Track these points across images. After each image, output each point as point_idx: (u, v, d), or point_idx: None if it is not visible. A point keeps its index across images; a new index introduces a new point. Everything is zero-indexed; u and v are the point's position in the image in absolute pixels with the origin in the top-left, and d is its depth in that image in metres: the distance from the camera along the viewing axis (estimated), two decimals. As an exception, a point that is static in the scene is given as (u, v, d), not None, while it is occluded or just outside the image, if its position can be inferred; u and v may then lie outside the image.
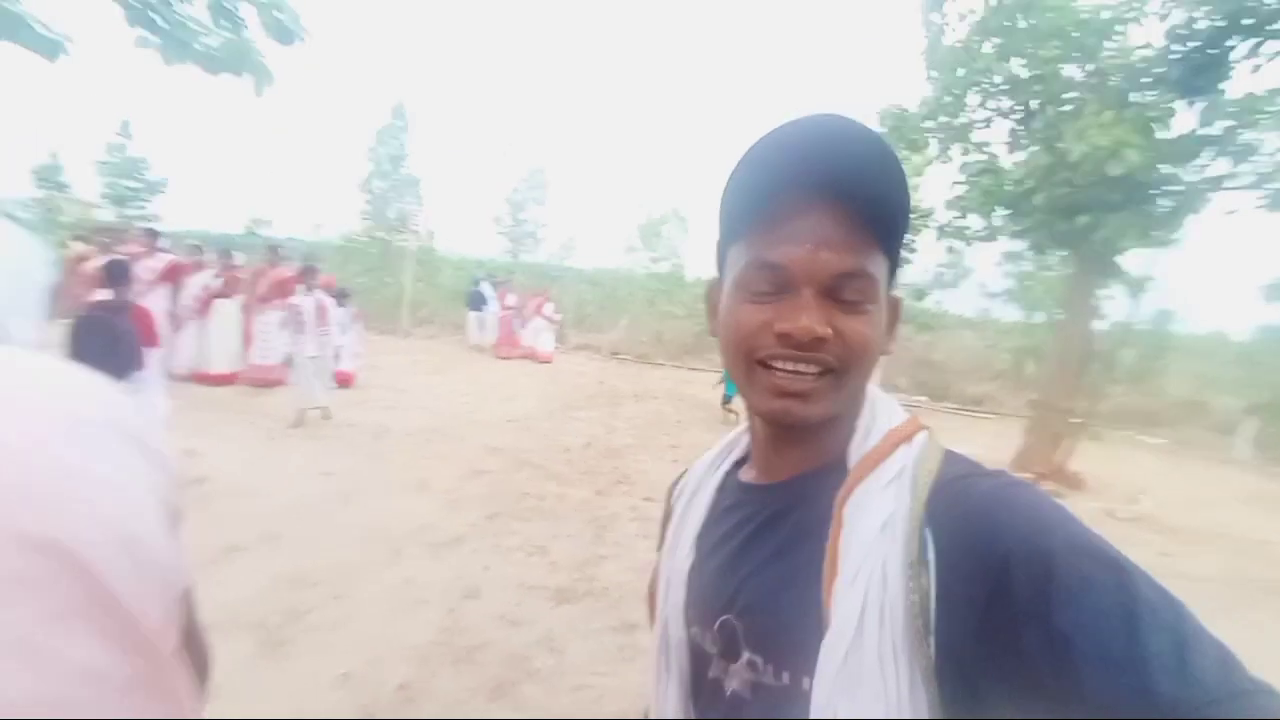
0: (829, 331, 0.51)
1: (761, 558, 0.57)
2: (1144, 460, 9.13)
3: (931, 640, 0.45)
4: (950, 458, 0.53)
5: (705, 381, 12.40)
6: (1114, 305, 8.53)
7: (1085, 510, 6.19)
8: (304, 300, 6.00)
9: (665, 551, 0.68)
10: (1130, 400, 12.28)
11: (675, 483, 0.73)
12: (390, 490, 4.44)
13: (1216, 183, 6.14)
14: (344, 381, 7.40)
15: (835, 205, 0.51)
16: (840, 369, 0.52)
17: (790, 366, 0.52)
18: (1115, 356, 7.70)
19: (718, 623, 0.58)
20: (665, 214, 19.06)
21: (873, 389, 0.59)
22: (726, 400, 8.33)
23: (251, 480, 4.27)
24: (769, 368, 0.53)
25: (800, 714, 0.48)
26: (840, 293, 0.51)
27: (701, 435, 7.40)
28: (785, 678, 0.51)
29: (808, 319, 0.50)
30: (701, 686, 0.60)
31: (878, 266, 0.53)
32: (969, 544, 0.45)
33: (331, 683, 2.35)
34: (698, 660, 0.61)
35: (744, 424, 0.67)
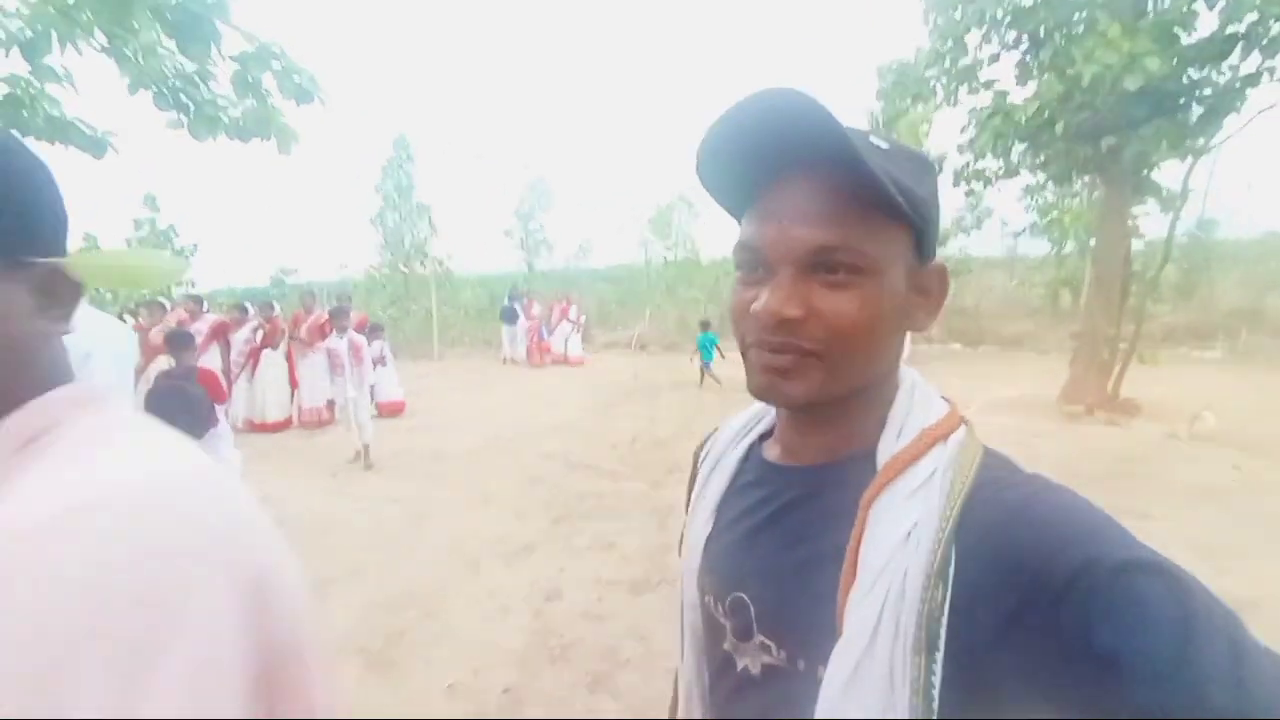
0: (798, 313, 0.49)
1: (779, 542, 0.56)
2: (1202, 376, 8.85)
3: (938, 655, 0.43)
4: (987, 460, 0.50)
5: (738, 361, 12.42)
6: (1151, 222, 8.28)
7: (1146, 435, 6.07)
8: (338, 343, 6.21)
9: (689, 516, 0.68)
10: (1180, 317, 11.88)
11: (702, 445, 0.73)
12: (457, 508, 4.61)
13: (1251, 80, 5.90)
14: (395, 411, 7.65)
15: (806, 178, 0.50)
16: (822, 351, 0.50)
17: (769, 352, 0.51)
18: (1158, 274, 7.45)
19: (730, 597, 0.58)
20: (673, 201, 19.02)
21: (911, 375, 0.57)
22: (705, 368, 9.13)
23: (327, 517, 4.48)
24: (758, 349, 0.53)
25: (811, 700, 0.48)
26: (823, 268, 0.49)
27: (744, 415, 7.43)
28: (800, 664, 0.51)
29: (774, 301, 0.49)
30: (715, 655, 0.61)
31: (871, 237, 0.49)
32: (996, 554, 0.43)
33: (441, 695, 2.50)
34: (712, 629, 0.62)
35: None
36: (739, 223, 0.56)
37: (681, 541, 0.70)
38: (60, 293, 0.47)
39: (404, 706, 2.43)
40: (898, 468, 0.50)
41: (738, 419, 0.70)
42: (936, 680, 0.43)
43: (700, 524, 0.65)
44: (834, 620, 0.48)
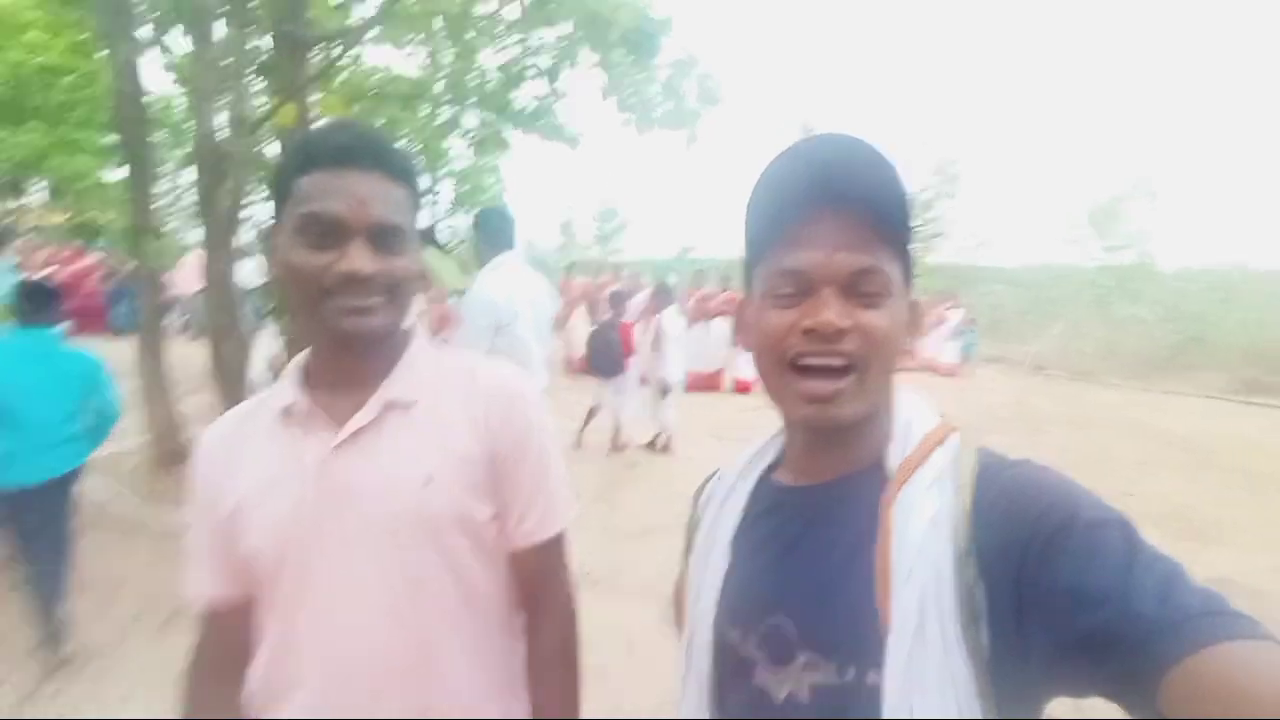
0: (849, 323, 0.54)
1: (810, 557, 0.58)
2: None
3: (984, 624, 0.48)
4: (982, 452, 0.56)
5: (1186, 410, 9.14)
6: None
7: None
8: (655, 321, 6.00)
9: (695, 557, 0.68)
10: None
11: (701, 489, 0.74)
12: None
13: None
14: (744, 389, 8.23)
15: (845, 213, 0.55)
16: (862, 365, 0.55)
17: (818, 361, 0.55)
18: None
19: (765, 625, 0.58)
20: (1128, 189, 14.77)
21: (904, 391, 0.62)
22: None
23: (679, 470, 5.16)
24: (799, 371, 0.57)
25: (870, 709, 0.49)
26: (857, 289, 0.55)
27: (1176, 483, 5.46)
28: (850, 674, 0.52)
29: (829, 313, 0.54)
30: (742, 697, 0.60)
31: (890, 264, 0.56)
32: (1004, 524, 0.49)
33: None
34: (737, 667, 0.60)
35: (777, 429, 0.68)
36: (753, 258, 0.62)
37: (679, 597, 0.72)
38: None
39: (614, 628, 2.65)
40: (909, 469, 0.55)
41: (741, 457, 0.71)
42: (987, 645, 0.48)
43: (715, 563, 0.65)
44: (876, 619, 0.50)
